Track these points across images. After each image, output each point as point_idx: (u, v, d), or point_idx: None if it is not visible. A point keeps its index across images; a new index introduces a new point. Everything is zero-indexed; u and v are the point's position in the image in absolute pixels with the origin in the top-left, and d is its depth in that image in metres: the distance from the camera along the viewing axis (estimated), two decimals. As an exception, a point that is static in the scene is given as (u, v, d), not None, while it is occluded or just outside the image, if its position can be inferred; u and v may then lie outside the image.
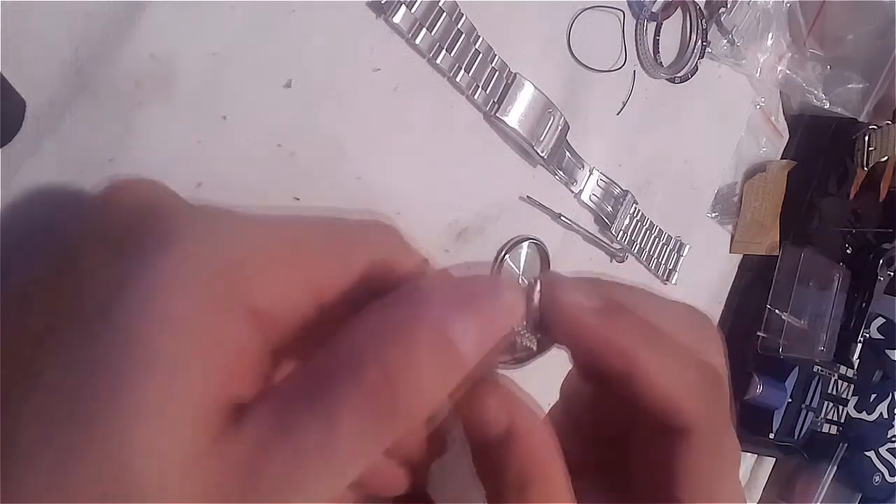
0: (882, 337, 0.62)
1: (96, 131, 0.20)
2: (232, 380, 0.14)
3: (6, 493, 0.12)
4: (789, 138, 0.54)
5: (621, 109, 0.38)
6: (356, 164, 0.27)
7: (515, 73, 0.31)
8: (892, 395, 0.62)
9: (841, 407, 0.60)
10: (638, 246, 0.41)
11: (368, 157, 0.27)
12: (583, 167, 0.36)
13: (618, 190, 0.39)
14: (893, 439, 0.61)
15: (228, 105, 0.23)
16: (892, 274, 0.59)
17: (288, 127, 0.24)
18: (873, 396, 0.62)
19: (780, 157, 0.53)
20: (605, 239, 0.39)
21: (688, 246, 0.45)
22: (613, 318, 0.17)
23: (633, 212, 0.40)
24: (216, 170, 0.23)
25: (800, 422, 0.55)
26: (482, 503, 0.24)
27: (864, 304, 0.58)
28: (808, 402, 0.55)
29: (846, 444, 0.60)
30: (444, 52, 0.28)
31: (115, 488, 0.12)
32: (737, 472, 0.19)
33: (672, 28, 0.41)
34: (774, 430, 0.52)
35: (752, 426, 0.50)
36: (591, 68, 0.36)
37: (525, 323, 0.18)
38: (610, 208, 0.38)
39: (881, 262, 0.58)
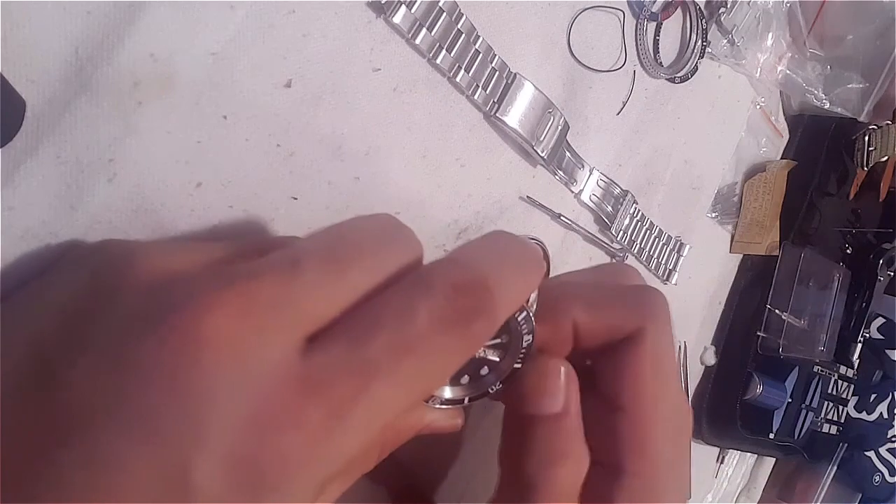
0: (882, 337, 0.62)
1: (96, 131, 0.20)
2: None
3: None
4: (789, 138, 0.54)
5: (621, 109, 0.38)
6: (355, 164, 0.27)
7: (515, 73, 0.31)
8: (892, 395, 0.62)
9: (841, 407, 0.60)
10: (638, 246, 0.41)
11: (368, 158, 0.27)
12: (583, 167, 0.37)
13: (618, 190, 0.39)
14: (893, 439, 0.61)
15: (228, 105, 0.23)
16: (892, 274, 0.59)
17: (288, 127, 0.24)
18: (873, 396, 0.62)
19: (780, 157, 0.53)
20: (605, 239, 0.39)
21: (688, 246, 0.45)
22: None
23: (633, 212, 0.40)
24: (216, 170, 0.23)
25: (800, 422, 0.55)
26: (481, 503, 0.24)
27: (864, 304, 0.58)
28: (808, 402, 0.55)
29: (846, 444, 0.60)
30: (444, 52, 0.28)
31: None
32: (678, 375, 0.23)
33: (672, 28, 0.41)
34: (774, 430, 0.52)
35: (752, 426, 0.50)
36: (591, 68, 0.36)
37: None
38: (610, 208, 0.38)
39: (881, 262, 0.58)
